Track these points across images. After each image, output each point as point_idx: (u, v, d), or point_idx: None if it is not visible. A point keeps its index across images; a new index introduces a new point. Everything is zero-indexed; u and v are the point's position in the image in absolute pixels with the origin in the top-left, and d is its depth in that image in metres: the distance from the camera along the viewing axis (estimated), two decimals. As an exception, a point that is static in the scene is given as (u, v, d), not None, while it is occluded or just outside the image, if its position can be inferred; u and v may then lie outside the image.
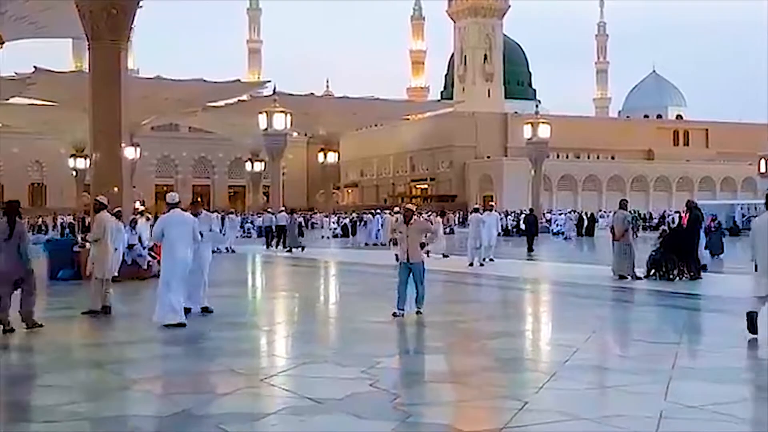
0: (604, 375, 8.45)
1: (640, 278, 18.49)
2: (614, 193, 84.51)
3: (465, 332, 11.42)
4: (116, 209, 17.44)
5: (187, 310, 12.94)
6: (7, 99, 67.03)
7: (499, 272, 21.71)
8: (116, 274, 17.02)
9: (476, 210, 26.36)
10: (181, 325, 11.39)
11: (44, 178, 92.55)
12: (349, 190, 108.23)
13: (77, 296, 13.23)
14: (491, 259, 25.09)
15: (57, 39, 54.88)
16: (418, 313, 12.37)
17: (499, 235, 30.93)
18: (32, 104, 70.28)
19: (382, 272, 20.46)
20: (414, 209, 13.13)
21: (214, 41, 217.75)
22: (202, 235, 12.94)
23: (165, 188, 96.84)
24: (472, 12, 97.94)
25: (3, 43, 33.68)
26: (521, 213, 55.84)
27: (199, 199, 14.62)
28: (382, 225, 39.50)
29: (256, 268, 27.17)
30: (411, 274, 12.52)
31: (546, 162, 63.43)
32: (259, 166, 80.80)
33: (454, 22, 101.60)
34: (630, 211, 23.72)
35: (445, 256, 26.80)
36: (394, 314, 12.23)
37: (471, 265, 23.48)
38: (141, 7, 54.34)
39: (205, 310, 13.05)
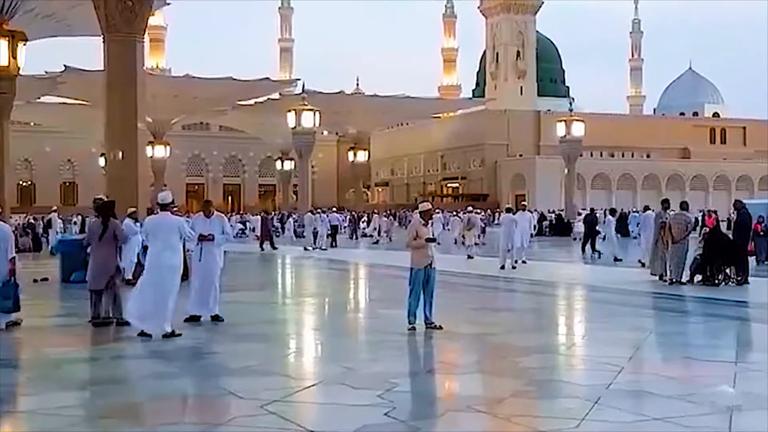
0: (655, 403, 7.33)
1: (683, 283, 17.37)
2: (649, 192, 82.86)
3: (494, 347, 10.37)
4: (130, 210, 16.66)
5: (197, 318, 12.16)
6: (39, 98, 67.01)
7: (532, 276, 20.60)
8: (130, 277, 16.29)
9: (508, 210, 25.33)
10: (175, 335, 10.68)
11: (75, 177, 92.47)
12: (380, 189, 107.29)
13: (85, 301, 12.43)
14: (524, 262, 24.06)
15: (86, 37, 54.45)
16: (433, 326, 11.26)
17: (532, 236, 29.94)
18: (63, 103, 70.20)
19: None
20: (431, 208, 12.03)
21: (246, 40, 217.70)
22: (214, 237, 12.08)
23: (196, 187, 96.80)
24: (504, 8, 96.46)
25: (26, 40, 33.06)
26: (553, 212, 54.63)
27: (209, 199, 13.65)
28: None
29: (282, 271, 26.33)
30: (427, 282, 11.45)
31: (579, 160, 62.10)
32: (289, 165, 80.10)
33: (486, 19, 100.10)
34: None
35: None
36: (413, 328, 11.19)
37: (503, 268, 22.43)
38: (169, 4, 53.97)
39: (216, 319, 12.16)
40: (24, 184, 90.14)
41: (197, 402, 7.50)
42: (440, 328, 11.23)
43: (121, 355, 9.69)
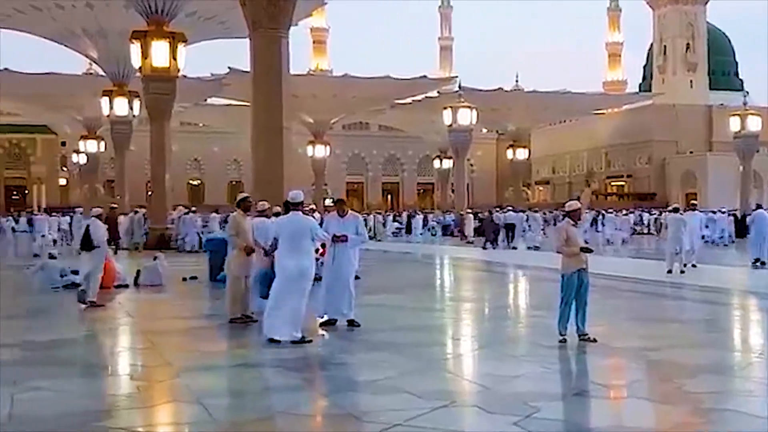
0: None
1: None
2: (835, 191, 76.91)
3: (656, 366, 9.10)
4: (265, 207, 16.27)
5: (333, 323, 11.54)
6: (206, 100, 69.51)
7: (703, 282, 18.83)
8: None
9: (676, 210, 23.50)
10: (305, 341, 10.07)
11: (242, 176, 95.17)
12: (540, 188, 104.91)
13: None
14: (694, 265, 22.21)
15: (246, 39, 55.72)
16: (586, 338, 10.17)
17: (703, 238, 27.90)
18: (229, 104, 72.42)
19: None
20: (580, 207, 10.86)
21: (406, 40, 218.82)
22: (348, 238, 11.39)
23: (356, 186, 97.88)
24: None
25: (186, 42, 33.87)
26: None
27: (343, 198, 13.00)
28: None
29: (440, 272, 25.53)
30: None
31: (756, 157, 58.24)
32: (447, 164, 79.42)
33: (654, 11, 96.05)
34: None
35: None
36: (564, 340, 10.13)
37: (670, 272, 20.72)
38: (326, 3, 54.21)
39: (351, 324, 11.49)
40: (194, 183, 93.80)
41: (310, 423, 6.74)
42: (594, 340, 10.10)
43: (244, 363, 9.11)
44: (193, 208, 37.79)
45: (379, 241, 41.97)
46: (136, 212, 34.82)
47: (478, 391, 7.68)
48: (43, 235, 33.60)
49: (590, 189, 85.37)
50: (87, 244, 14.20)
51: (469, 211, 49.05)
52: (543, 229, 36.10)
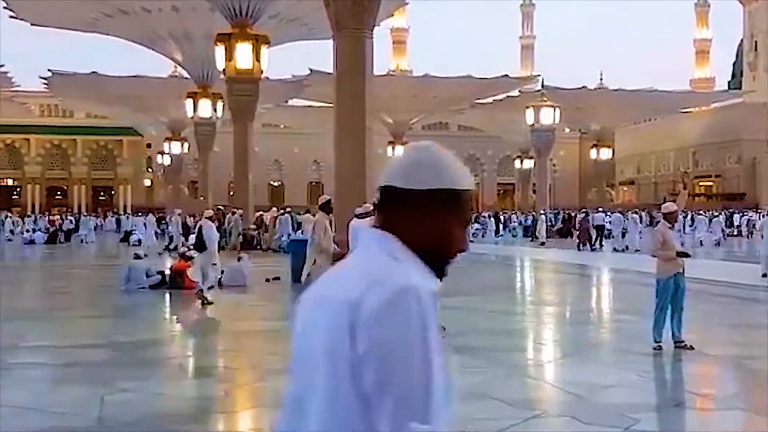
0: None
1: None
2: None
3: (756, 375, 8.64)
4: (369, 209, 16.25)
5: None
6: (287, 101, 70.15)
7: (800, 286, 18.04)
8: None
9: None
10: None
11: (321, 177, 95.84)
12: (625, 188, 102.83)
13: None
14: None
15: (329, 41, 55.61)
16: (683, 345, 9.75)
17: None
18: (309, 105, 73.01)
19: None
20: (677, 210, 10.44)
21: (487, 39, 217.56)
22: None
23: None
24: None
25: (269, 43, 34.10)
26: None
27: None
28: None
29: (520, 274, 25.11)
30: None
31: None
32: (528, 164, 78.59)
33: (744, 6, 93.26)
34: None
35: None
36: (659, 347, 9.71)
37: (765, 276, 19.89)
38: (407, 3, 54.02)
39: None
40: (275, 184, 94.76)
41: None
42: (691, 348, 9.68)
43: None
44: (288, 209, 38.23)
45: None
46: (233, 213, 35.09)
47: (571, 400, 7.38)
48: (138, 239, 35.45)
49: (687, 190, 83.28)
50: (200, 245, 14.49)
51: (542, 212, 48.33)
52: (640, 232, 35.16)
